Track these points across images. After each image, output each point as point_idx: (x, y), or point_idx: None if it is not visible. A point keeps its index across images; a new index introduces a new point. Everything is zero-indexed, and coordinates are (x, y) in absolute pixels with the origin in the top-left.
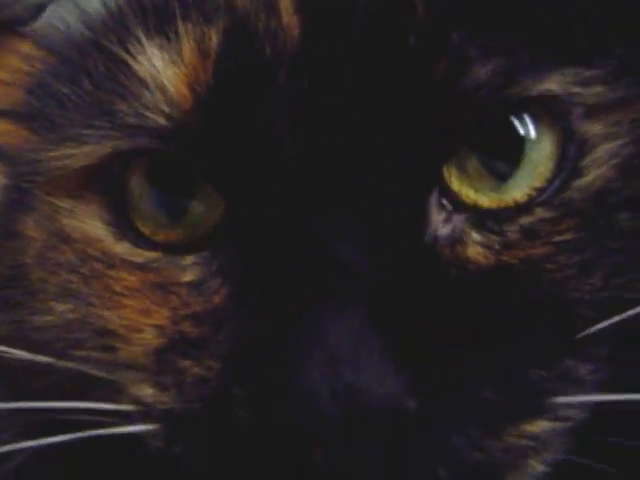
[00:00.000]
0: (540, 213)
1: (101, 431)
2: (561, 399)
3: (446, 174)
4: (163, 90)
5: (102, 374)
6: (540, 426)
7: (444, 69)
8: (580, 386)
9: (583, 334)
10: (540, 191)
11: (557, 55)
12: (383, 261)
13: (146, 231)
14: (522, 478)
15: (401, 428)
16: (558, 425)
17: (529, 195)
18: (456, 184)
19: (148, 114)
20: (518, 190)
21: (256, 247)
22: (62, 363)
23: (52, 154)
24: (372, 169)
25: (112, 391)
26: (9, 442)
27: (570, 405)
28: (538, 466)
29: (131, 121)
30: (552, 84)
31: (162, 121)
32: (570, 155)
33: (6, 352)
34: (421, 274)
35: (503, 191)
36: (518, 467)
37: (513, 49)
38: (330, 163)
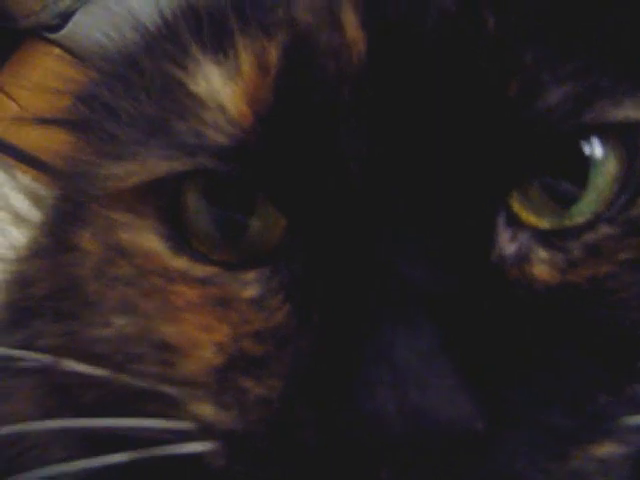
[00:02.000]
0: (604, 230)
1: (160, 450)
2: (629, 421)
3: (509, 199)
4: (222, 109)
5: (161, 389)
6: (607, 449)
7: (515, 91)
8: None
9: None
10: (604, 210)
11: (631, 80)
12: (451, 281)
13: (202, 250)
14: None
15: (468, 451)
16: (625, 449)
17: (592, 215)
18: (517, 207)
19: (207, 133)
20: (581, 216)
21: (319, 264)
22: (119, 377)
23: (109, 170)
24: (439, 190)
25: (170, 407)
26: (59, 456)
27: (637, 429)
28: None
29: (190, 141)
30: (628, 110)
31: (222, 140)
32: (636, 172)
33: (63, 364)
34: (489, 294)
35: (566, 217)
36: None
37: (588, 73)
38: (396, 182)
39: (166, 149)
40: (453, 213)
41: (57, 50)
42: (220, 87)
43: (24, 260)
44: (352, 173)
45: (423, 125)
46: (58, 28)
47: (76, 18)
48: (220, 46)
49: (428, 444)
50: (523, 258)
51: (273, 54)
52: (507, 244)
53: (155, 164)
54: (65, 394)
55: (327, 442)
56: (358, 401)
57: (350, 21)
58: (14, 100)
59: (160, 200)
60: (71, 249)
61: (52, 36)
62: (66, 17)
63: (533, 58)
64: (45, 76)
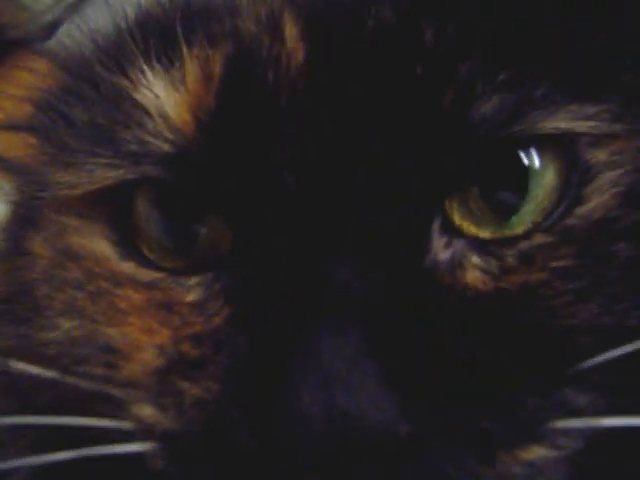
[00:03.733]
0: (539, 239)
1: (103, 449)
2: (558, 425)
3: (448, 208)
4: (165, 117)
5: (105, 391)
6: (535, 453)
7: (450, 101)
8: (578, 415)
9: (584, 365)
10: (542, 220)
11: (564, 91)
12: (382, 285)
13: (152, 256)
14: None
15: (394, 454)
16: (554, 453)
17: (532, 224)
18: (457, 218)
19: (151, 142)
20: (521, 225)
21: (259, 271)
22: (67, 378)
23: (59, 177)
24: (373, 196)
25: (115, 408)
26: (14, 456)
27: (566, 432)
28: None
29: (135, 149)
30: (560, 122)
31: (166, 148)
32: (574, 182)
33: (14, 366)
34: (420, 299)
35: (506, 227)
36: None
37: (521, 84)
38: (331, 188)
39: (112, 158)
40: (388, 219)
41: (37, 63)
42: (164, 96)
43: None
44: (289, 181)
45: (360, 133)
46: (45, 39)
47: (63, 29)
48: (166, 56)
49: (352, 446)
50: (457, 265)
51: (217, 64)
52: (441, 250)
53: (102, 173)
54: (20, 396)
55: (259, 443)
56: (286, 403)
57: (290, 32)
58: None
59: (110, 207)
60: (24, 253)
61: (38, 47)
62: (53, 28)
63: (468, 69)
64: (19, 87)
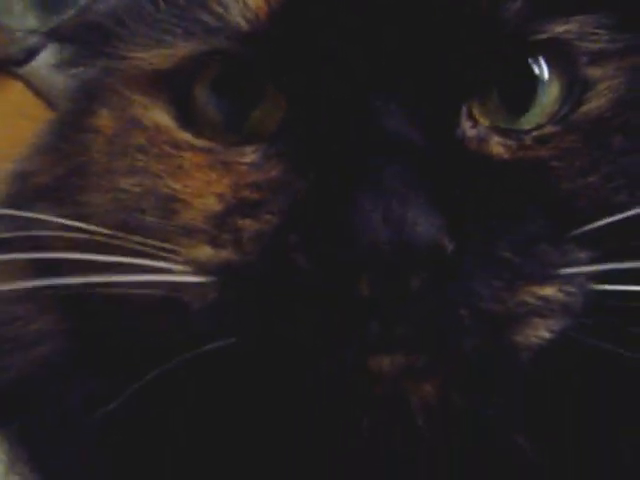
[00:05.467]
0: (549, 128)
1: (146, 277)
2: (566, 271)
3: (474, 106)
4: (244, 1)
5: (161, 243)
6: (548, 291)
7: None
8: (581, 266)
9: (585, 228)
10: (549, 119)
11: (573, 3)
12: (426, 140)
13: (206, 133)
14: (529, 338)
15: (439, 264)
16: (561, 296)
17: (538, 124)
18: (477, 113)
19: (229, 17)
20: (530, 122)
21: (314, 135)
22: (119, 234)
23: (135, 54)
24: (417, 76)
25: (166, 259)
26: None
27: (571, 280)
28: (545, 332)
29: (213, 24)
30: (568, 26)
31: (242, 23)
32: (575, 92)
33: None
34: (455, 157)
35: (516, 123)
36: (528, 325)
37: None
38: (382, 66)
39: (190, 35)
40: (429, 97)
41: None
42: None
43: (26, 158)
44: (346, 55)
45: (408, 22)
46: (23, 62)
47: (41, 56)
48: None
49: (407, 252)
50: (482, 139)
51: None
52: (469, 129)
53: (178, 48)
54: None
55: (315, 260)
56: (347, 215)
57: None
58: None
59: (172, 90)
60: (86, 130)
61: (17, 70)
62: (32, 53)
63: None
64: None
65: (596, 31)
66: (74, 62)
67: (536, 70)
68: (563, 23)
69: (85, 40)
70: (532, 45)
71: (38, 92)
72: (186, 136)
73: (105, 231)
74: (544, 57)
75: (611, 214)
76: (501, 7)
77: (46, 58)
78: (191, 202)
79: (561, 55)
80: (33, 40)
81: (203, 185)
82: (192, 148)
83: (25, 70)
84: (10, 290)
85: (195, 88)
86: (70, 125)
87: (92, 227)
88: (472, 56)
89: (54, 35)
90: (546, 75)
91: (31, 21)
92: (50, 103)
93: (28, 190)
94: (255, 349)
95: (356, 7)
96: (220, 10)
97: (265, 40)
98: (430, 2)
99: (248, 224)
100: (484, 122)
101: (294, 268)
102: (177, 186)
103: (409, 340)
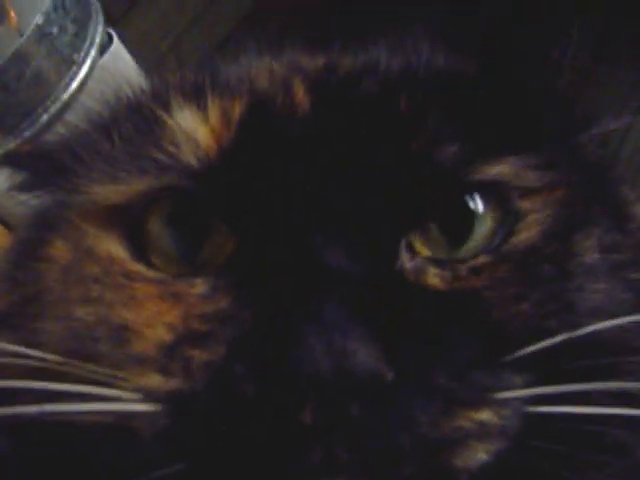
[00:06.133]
0: (483, 259)
1: (97, 406)
2: (501, 395)
3: (412, 237)
4: (195, 140)
5: (109, 371)
6: (484, 415)
7: (420, 145)
8: (516, 390)
9: (520, 353)
10: (485, 247)
11: (504, 147)
12: (366, 273)
13: (157, 263)
14: (468, 461)
15: (378, 392)
16: (497, 420)
17: (476, 251)
18: (418, 245)
19: (181, 156)
20: (467, 252)
21: (260, 269)
22: (72, 361)
23: (91, 189)
24: (356, 213)
25: (117, 387)
26: None
27: (506, 404)
28: (483, 454)
29: (165, 161)
30: (500, 167)
31: (193, 162)
32: (507, 223)
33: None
34: (393, 290)
35: (456, 253)
36: (466, 448)
37: (472, 138)
38: (328, 206)
39: (142, 172)
40: (368, 233)
41: None
42: (193, 126)
43: None
44: (291, 198)
45: (349, 166)
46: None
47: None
48: (197, 100)
49: (348, 382)
50: (420, 271)
51: (237, 110)
52: (407, 261)
53: (131, 185)
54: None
55: (261, 389)
56: (292, 349)
57: (298, 89)
58: None
59: (126, 223)
60: (41, 259)
61: None
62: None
63: (434, 121)
64: None
65: (525, 170)
66: (25, 188)
67: (472, 205)
68: (496, 164)
69: (37, 169)
70: (467, 184)
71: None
72: (139, 267)
73: (57, 359)
74: (479, 194)
75: (543, 339)
76: (437, 151)
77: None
78: (142, 332)
79: (494, 192)
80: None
81: (154, 315)
82: (144, 279)
83: None
84: None
85: (148, 221)
86: (25, 254)
87: (45, 355)
88: (409, 195)
89: (7, 161)
90: (481, 209)
91: None
92: (7, 226)
93: None
94: (205, 475)
95: (302, 148)
96: (172, 149)
97: (214, 178)
98: (367, 147)
99: (197, 354)
100: (425, 253)
101: (241, 397)
102: (129, 316)
103: (351, 465)
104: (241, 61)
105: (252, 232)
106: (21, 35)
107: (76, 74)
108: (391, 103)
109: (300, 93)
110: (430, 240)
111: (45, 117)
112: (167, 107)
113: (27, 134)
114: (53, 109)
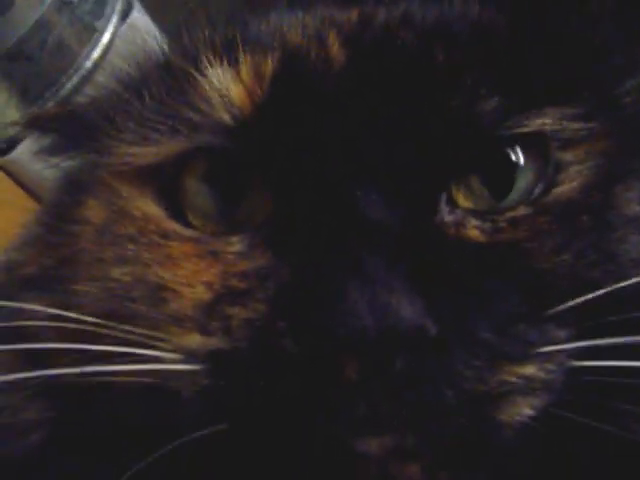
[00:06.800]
0: (523, 210)
1: (137, 366)
2: (545, 349)
3: (454, 190)
4: (228, 97)
5: (147, 331)
6: (529, 370)
7: (461, 99)
8: (560, 344)
9: (562, 306)
10: (525, 199)
11: (543, 98)
12: (405, 226)
13: (195, 223)
14: (512, 416)
15: (422, 347)
16: (542, 374)
17: (516, 203)
18: (460, 198)
19: (214, 114)
20: (509, 204)
21: (299, 224)
22: (108, 322)
23: (123, 150)
24: (397, 166)
25: (156, 347)
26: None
27: (551, 358)
28: (527, 409)
29: (198, 120)
30: (541, 119)
31: (226, 118)
32: (549, 174)
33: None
34: (433, 242)
35: (497, 206)
36: (510, 403)
37: (511, 90)
38: (362, 157)
39: (176, 132)
40: (409, 186)
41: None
42: (225, 83)
43: (13, 249)
44: (328, 152)
45: (386, 119)
46: (4, 152)
47: (23, 145)
48: (228, 56)
49: (393, 337)
50: (459, 224)
51: (269, 65)
52: (447, 215)
53: (166, 141)
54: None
55: (304, 344)
56: (335, 304)
57: (333, 43)
58: None
59: (160, 181)
60: (75, 221)
61: None
62: (13, 143)
63: (471, 79)
64: None
65: (565, 121)
66: (55, 151)
67: (513, 157)
68: (536, 117)
69: (66, 131)
70: (508, 137)
71: (18, 182)
72: (174, 226)
73: (95, 320)
74: (520, 146)
75: (586, 291)
76: (476, 105)
77: (27, 147)
78: (180, 291)
79: (536, 143)
80: (15, 130)
81: (192, 274)
82: (180, 237)
83: (5, 160)
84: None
85: (184, 180)
86: (58, 216)
87: (81, 316)
88: (450, 148)
89: (34, 125)
90: (522, 161)
91: (13, 111)
92: (31, 192)
93: (16, 281)
94: (246, 434)
95: (337, 102)
96: (204, 106)
97: (248, 134)
98: (404, 100)
99: (237, 312)
100: (467, 205)
101: (283, 354)
102: (166, 275)
103: (396, 421)
104: (272, 16)
105: (289, 188)
106: (42, 4)
107: (98, 41)
108: (428, 56)
109: (335, 47)
110: (472, 193)
111: (69, 85)
112: (198, 65)
113: (51, 103)
114: (76, 77)
